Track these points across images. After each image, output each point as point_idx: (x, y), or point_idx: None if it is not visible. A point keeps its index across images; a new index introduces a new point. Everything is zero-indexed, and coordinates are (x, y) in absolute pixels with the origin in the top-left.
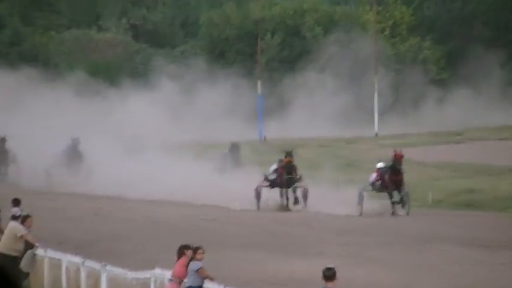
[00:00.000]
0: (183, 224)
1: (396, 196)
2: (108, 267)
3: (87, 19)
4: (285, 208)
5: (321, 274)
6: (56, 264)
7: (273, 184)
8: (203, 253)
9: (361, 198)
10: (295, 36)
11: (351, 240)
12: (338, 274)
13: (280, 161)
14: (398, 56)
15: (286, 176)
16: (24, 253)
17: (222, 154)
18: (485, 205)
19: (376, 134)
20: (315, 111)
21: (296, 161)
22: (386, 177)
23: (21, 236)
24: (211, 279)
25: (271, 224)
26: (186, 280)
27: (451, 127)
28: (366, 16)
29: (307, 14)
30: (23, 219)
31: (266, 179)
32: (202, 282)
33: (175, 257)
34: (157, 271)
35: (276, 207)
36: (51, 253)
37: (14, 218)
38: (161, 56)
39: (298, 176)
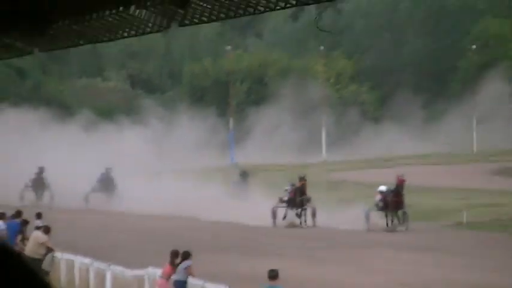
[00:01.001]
0: (175, 233)
1: (396, 215)
2: (112, 266)
3: (94, 70)
4: (298, 225)
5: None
6: (70, 265)
7: (289, 204)
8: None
9: (367, 216)
10: (259, 84)
11: (306, 245)
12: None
13: (292, 184)
14: (342, 99)
15: (299, 198)
16: (45, 256)
17: (234, 182)
18: (414, 217)
19: (324, 160)
20: (275, 142)
21: (258, 182)
22: (389, 198)
23: (43, 243)
24: (193, 276)
25: (243, 233)
26: (173, 276)
27: (383, 155)
28: (316, 67)
29: (269, 67)
30: (44, 229)
31: (281, 200)
32: (187, 278)
33: (168, 259)
34: (150, 269)
35: (289, 224)
36: (66, 256)
37: (37, 228)
38: (152, 99)
39: (308, 197)
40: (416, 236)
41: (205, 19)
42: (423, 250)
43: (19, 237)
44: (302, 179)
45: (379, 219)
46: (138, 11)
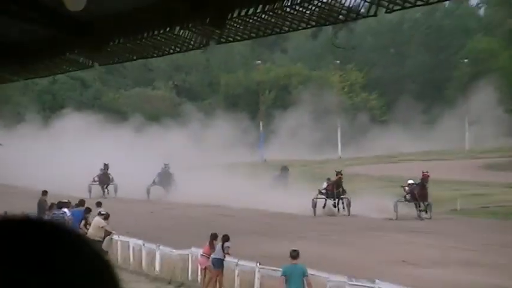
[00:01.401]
0: (208, 219)
1: (422, 205)
2: (161, 247)
3: (145, 81)
4: (336, 214)
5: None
6: (125, 246)
7: (327, 196)
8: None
9: (396, 206)
10: (284, 92)
11: (326, 228)
12: (311, 251)
13: (328, 179)
14: (354, 105)
15: (336, 190)
16: (104, 238)
17: (275, 175)
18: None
19: (340, 157)
20: (298, 142)
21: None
22: (416, 191)
23: (102, 227)
24: (230, 255)
25: (266, 218)
26: (212, 255)
27: (390, 152)
28: (332, 78)
29: (293, 77)
30: (105, 216)
31: (320, 192)
32: (224, 257)
33: (208, 240)
34: (193, 249)
35: (328, 212)
36: (122, 238)
37: (98, 214)
38: (194, 106)
39: (343, 189)
40: (417, 221)
41: (238, 38)
42: (423, 233)
43: (82, 223)
44: (339, 173)
45: (407, 208)
46: (182, 31)
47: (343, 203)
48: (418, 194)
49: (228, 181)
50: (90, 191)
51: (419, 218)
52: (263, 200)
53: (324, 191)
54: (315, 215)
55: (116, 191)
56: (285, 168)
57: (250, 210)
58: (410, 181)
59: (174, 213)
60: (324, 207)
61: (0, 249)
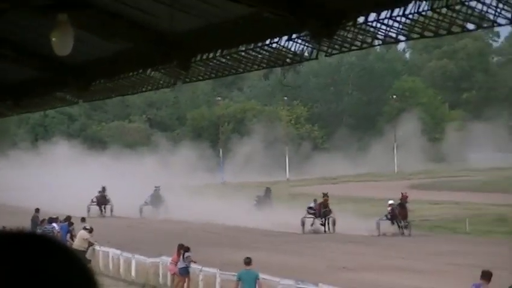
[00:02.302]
0: (182, 232)
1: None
2: (136, 255)
3: (123, 115)
4: (322, 232)
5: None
6: (106, 255)
7: (315, 215)
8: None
9: (378, 224)
10: (240, 124)
11: (275, 240)
12: (260, 258)
13: (315, 200)
14: (299, 135)
15: (323, 210)
16: (88, 248)
17: (259, 196)
18: (355, 218)
19: (288, 179)
20: (252, 166)
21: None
22: (396, 211)
23: (86, 239)
24: (195, 262)
25: (233, 232)
26: (179, 263)
27: (330, 175)
28: (281, 112)
29: (248, 111)
30: (89, 230)
31: (308, 212)
32: (189, 264)
33: (176, 250)
34: (164, 258)
35: (315, 230)
36: (103, 248)
37: (84, 228)
38: (164, 136)
39: (329, 209)
40: (355, 232)
41: (201, 78)
42: (363, 243)
43: (68, 235)
44: (325, 195)
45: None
46: (153, 72)
47: (328, 221)
48: (399, 212)
49: (194, 200)
50: (88, 211)
51: (401, 234)
52: (225, 216)
53: (311, 211)
54: (303, 232)
55: (112, 210)
56: (268, 190)
57: (214, 224)
58: (391, 201)
59: (151, 228)
60: (311, 225)
61: (5, 255)
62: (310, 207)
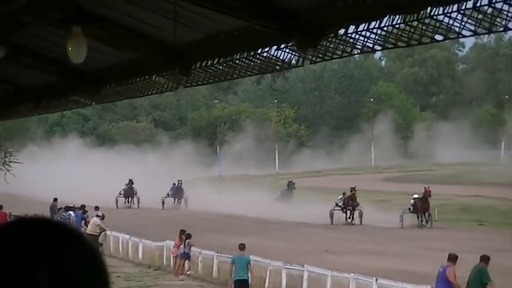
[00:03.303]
0: (187, 221)
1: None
2: (143, 240)
3: (131, 116)
4: (350, 223)
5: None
6: (116, 239)
7: (343, 208)
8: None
9: (401, 217)
10: (235, 124)
11: (266, 226)
12: (255, 243)
13: (343, 193)
14: (287, 133)
15: (351, 202)
16: (100, 233)
17: (283, 190)
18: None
19: (277, 172)
20: (245, 161)
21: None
22: (419, 204)
23: (98, 225)
24: (193, 246)
25: (224, 218)
26: (180, 247)
27: (315, 169)
28: (271, 114)
29: (242, 113)
30: (101, 217)
31: (337, 204)
32: (190, 249)
33: (178, 235)
34: (167, 242)
35: (343, 222)
36: (114, 233)
37: (97, 216)
38: (168, 135)
39: (357, 203)
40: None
41: (200, 83)
42: (341, 230)
43: (83, 222)
44: (353, 189)
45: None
46: (158, 78)
47: (354, 213)
48: (421, 206)
49: (196, 190)
50: (117, 202)
51: (421, 226)
52: (223, 205)
53: (340, 204)
54: (332, 223)
55: (139, 202)
56: (291, 183)
57: (213, 213)
58: (415, 195)
59: (157, 216)
60: (348, 218)
61: (22, 241)
62: (339, 200)
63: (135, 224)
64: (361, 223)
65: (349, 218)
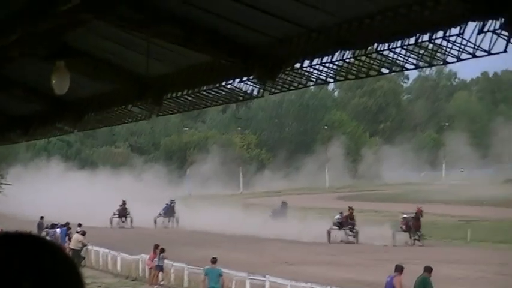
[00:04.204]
0: (163, 236)
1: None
2: (121, 254)
3: (110, 141)
4: (347, 242)
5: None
6: (96, 253)
7: (341, 226)
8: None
9: (394, 235)
10: (203, 149)
11: (237, 241)
12: (224, 257)
13: (341, 213)
14: (250, 157)
15: (349, 221)
16: (82, 248)
17: (276, 209)
18: (300, 222)
19: (241, 192)
20: (212, 182)
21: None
22: (411, 223)
23: (80, 240)
24: (166, 258)
25: (198, 236)
26: (155, 260)
27: (275, 189)
28: (236, 139)
29: (209, 139)
30: (82, 232)
31: (334, 224)
32: (163, 262)
33: (152, 249)
34: (143, 255)
35: (340, 240)
36: (95, 248)
37: (77, 232)
38: (142, 159)
39: (354, 222)
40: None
41: (171, 112)
42: (300, 243)
43: (67, 238)
44: (350, 208)
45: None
46: (133, 107)
47: (353, 232)
48: (413, 224)
49: (188, 210)
50: (111, 222)
51: (413, 244)
52: (194, 222)
53: (337, 223)
54: (329, 242)
55: (132, 221)
56: (284, 203)
57: (187, 230)
58: (404, 215)
59: (130, 232)
60: (353, 235)
61: (6, 254)
62: (337, 219)
63: (124, 240)
64: (356, 242)
65: (353, 236)
